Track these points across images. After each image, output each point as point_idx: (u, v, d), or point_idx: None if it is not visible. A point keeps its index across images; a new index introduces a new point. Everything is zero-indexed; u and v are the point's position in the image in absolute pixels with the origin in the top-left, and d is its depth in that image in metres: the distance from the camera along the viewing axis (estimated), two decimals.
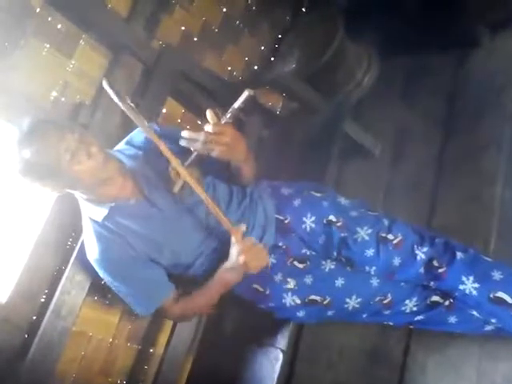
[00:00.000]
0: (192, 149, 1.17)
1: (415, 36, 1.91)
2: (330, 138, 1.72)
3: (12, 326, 1.48)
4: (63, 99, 1.60)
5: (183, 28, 1.92)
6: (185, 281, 1.39)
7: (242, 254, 1.18)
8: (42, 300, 1.52)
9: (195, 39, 1.96)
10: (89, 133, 1.30)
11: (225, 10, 2.06)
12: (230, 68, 2.08)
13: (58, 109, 1.59)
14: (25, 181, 1.21)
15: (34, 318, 1.51)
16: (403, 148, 1.91)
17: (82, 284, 1.51)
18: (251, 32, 2.15)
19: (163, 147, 1.18)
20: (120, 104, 1.19)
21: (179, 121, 1.92)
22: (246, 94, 1.09)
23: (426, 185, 1.75)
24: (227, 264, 1.24)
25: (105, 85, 1.20)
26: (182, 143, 1.16)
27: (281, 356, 1.48)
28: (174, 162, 1.17)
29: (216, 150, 1.14)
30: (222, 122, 1.15)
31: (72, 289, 1.50)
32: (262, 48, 2.20)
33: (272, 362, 1.49)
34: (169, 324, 1.81)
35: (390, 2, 1.96)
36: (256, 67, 2.17)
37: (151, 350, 1.80)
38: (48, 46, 1.57)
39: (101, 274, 1.32)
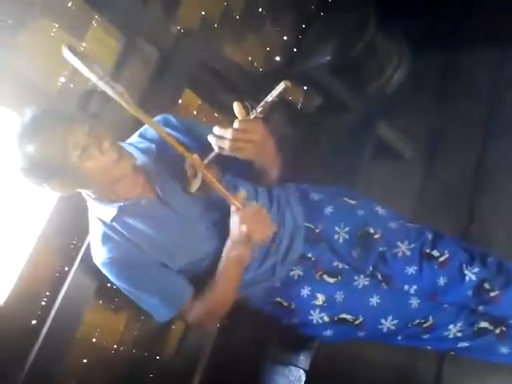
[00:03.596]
0: (219, 147, 1.04)
1: (453, 32, 1.76)
2: (362, 138, 1.58)
3: (9, 331, 1.38)
4: (72, 86, 1.48)
5: (203, 13, 1.79)
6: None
7: (244, 223, 1.06)
8: (43, 303, 1.43)
9: (215, 25, 1.83)
10: (100, 124, 1.17)
11: None
12: (250, 58, 1.96)
13: (66, 96, 1.46)
14: (28, 180, 1.07)
15: (34, 322, 1.41)
16: (437, 151, 1.78)
17: (87, 287, 1.40)
18: (274, 21, 2.03)
19: (169, 139, 1.07)
20: (89, 74, 1.02)
21: (195, 113, 1.80)
22: (282, 85, 0.95)
23: (462, 191, 1.62)
24: (230, 239, 1.11)
25: (66, 53, 1.04)
26: (211, 141, 1.03)
27: (303, 377, 1.35)
28: (190, 158, 1.06)
29: (243, 150, 1.01)
30: (251, 116, 1.02)
31: (77, 292, 1.39)
32: (285, 38, 2.07)
33: (293, 383, 1.35)
34: (177, 331, 1.72)
35: None
36: (278, 58, 2.04)
37: (158, 358, 1.70)
38: (57, 26, 1.44)
39: (111, 278, 1.19)
